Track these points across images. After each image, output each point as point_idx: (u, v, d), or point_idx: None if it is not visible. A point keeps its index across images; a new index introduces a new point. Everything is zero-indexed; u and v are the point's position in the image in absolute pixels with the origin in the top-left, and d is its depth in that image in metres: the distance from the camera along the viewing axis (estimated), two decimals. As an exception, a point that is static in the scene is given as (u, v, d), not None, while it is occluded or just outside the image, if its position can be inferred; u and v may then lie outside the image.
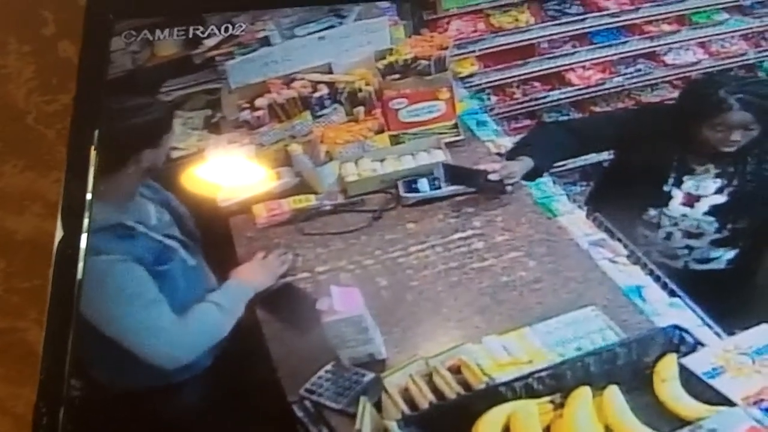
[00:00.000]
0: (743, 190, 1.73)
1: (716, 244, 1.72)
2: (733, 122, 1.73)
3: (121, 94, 1.75)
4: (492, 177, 1.78)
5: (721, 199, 1.73)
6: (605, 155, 1.85)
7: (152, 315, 1.53)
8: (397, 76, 1.91)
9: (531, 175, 1.81)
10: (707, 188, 1.73)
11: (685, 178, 1.75)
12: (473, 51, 2.01)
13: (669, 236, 1.73)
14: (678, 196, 1.74)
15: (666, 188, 1.75)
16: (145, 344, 1.51)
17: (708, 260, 1.72)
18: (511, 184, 1.79)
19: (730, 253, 1.72)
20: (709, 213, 1.72)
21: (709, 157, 1.75)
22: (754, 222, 1.72)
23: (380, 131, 1.88)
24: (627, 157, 1.82)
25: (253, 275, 1.63)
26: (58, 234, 1.57)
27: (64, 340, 1.49)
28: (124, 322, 1.52)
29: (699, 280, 1.67)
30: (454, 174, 1.81)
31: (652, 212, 1.74)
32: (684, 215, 1.73)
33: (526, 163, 1.81)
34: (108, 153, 1.63)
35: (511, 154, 1.84)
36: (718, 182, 1.74)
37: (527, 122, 1.98)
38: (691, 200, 1.73)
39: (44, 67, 1.90)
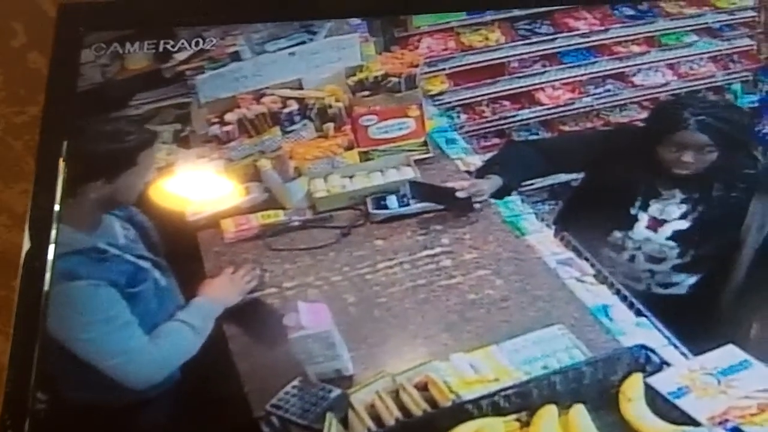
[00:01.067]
0: (707, 217, 1.73)
1: (678, 269, 1.72)
2: (687, 142, 1.74)
3: (94, 113, 1.75)
4: (460, 195, 1.78)
5: (684, 224, 1.73)
6: (574, 175, 1.85)
7: (124, 337, 1.52)
8: (367, 92, 1.91)
9: (500, 194, 1.81)
10: (672, 213, 1.74)
11: (651, 201, 1.76)
12: (443, 69, 2.01)
13: (632, 259, 1.73)
14: (644, 219, 1.75)
15: (633, 211, 1.76)
16: (117, 366, 1.50)
17: (670, 285, 1.72)
18: (479, 202, 1.79)
19: (692, 279, 1.72)
20: (671, 238, 1.72)
21: (675, 181, 1.76)
22: (717, 249, 1.73)
23: (350, 148, 1.88)
24: (596, 178, 1.83)
25: (222, 291, 1.62)
26: (26, 246, 1.56)
27: (30, 352, 1.48)
28: (97, 344, 1.51)
29: (662, 304, 1.67)
30: (421, 191, 1.81)
31: (617, 234, 1.74)
32: (647, 239, 1.73)
33: (494, 182, 1.82)
34: (77, 175, 1.62)
35: (480, 173, 1.85)
36: (683, 208, 1.74)
37: (496, 140, 1.98)
38: (655, 224, 1.74)
39: (13, 78, 1.89)
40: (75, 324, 1.52)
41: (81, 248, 1.56)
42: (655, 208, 1.75)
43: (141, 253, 1.61)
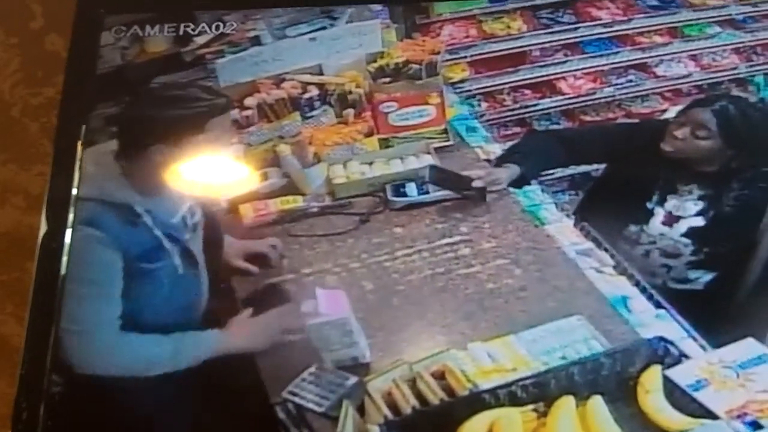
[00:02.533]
0: (723, 215, 1.72)
1: (693, 265, 1.72)
2: (691, 117, 1.74)
3: (113, 95, 1.74)
4: (476, 184, 1.78)
5: (699, 221, 1.72)
6: (595, 166, 1.84)
7: (96, 309, 1.50)
8: (387, 79, 1.90)
9: (518, 183, 1.81)
10: (688, 209, 1.73)
11: (668, 197, 1.75)
12: (465, 57, 2.01)
13: (647, 254, 1.73)
14: (660, 214, 1.74)
15: (650, 205, 1.75)
16: (72, 333, 1.48)
17: (686, 280, 1.72)
18: (496, 192, 1.79)
19: (708, 276, 1.71)
20: (686, 235, 1.72)
21: (694, 177, 1.75)
22: (732, 248, 1.72)
23: (369, 134, 1.87)
24: (616, 171, 1.82)
25: (240, 336, 1.55)
26: (43, 228, 1.56)
27: (46, 335, 1.48)
28: (71, 300, 1.49)
29: (679, 298, 1.66)
30: (439, 177, 1.80)
31: (633, 228, 1.74)
32: (662, 234, 1.72)
33: (512, 171, 1.81)
34: (135, 137, 1.59)
35: (500, 161, 1.84)
36: (700, 205, 1.73)
37: (517, 129, 1.98)
38: (671, 220, 1.73)
39: (30, 60, 1.89)
40: (70, 270, 1.51)
41: (115, 202, 1.53)
42: (671, 203, 1.74)
43: (177, 235, 1.57)
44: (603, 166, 1.84)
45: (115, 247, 1.50)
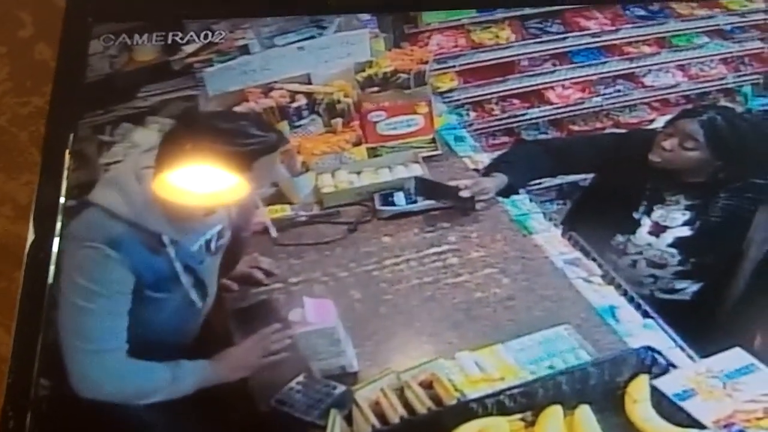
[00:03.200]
0: (710, 226, 1.73)
1: (679, 276, 1.72)
2: (679, 128, 1.75)
3: (101, 105, 1.74)
4: (463, 194, 1.78)
5: (686, 231, 1.73)
6: (583, 175, 1.84)
7: (108, 326, 1.46)
8: (376, 88, 1.90)
9: (506, 192, 1.81)
10: (675, 220, 1.73)
11: (655, 207, 1.75)
12: (453, 66, 2.01)
13: (634, 264, 1.73)
14: (647, 224, 1.74)
15: (636, 215, 1.75)
16: (83, 352, 1.45)
17: (673, 291, 1.72)
18: (484, 201, 1.79)
19: (695, 286, 1.72)
20: (672, 245, 1.72)
21: (681, 187, 1.75)
22: (718, 258, 1.72)
23: (358, 143, 1.88)
24: (604, 181, 1.82)
25: (225, 368, 1.51)
26: (30, 237, 1.55)
27: (33, 344, 1.47)
28: (89, 317, 1.45)
29: (666, 308, 1.66)
30: (426, 188, 1.80)
31: (620, 238, 1.74)
32: (649, 244, 1.73)
33: (500, 180, 1.81)
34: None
35: (488, 171, 1.84)
36: (687, 215, 1.73)
37: (505, 139, 1.98)
38: (657, 230, 1.73)
39: (19, 69, 1.88)
40: (74, 281, 1.47)
41: (148, 228, 1.48)
42: (658, 213, 1.74)
43: (194, 265, 1.54)
44: (591, 176, 1.84)
45: (131, 270, 1.47)
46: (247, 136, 1.52)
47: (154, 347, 1.49)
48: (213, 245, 1.58)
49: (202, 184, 1.52)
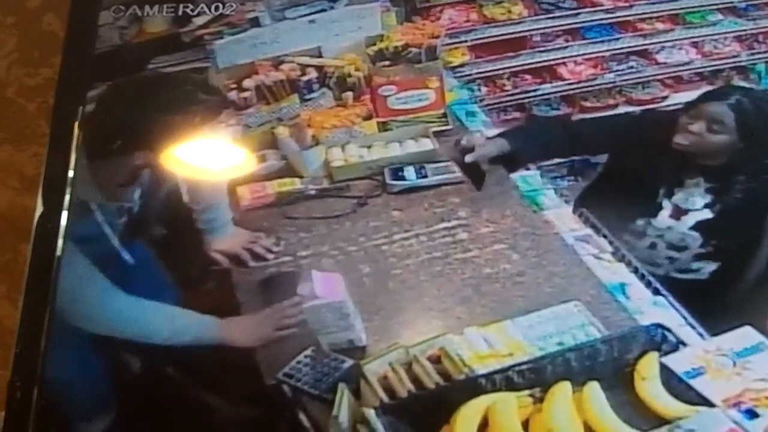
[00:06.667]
0: (730, 208, 1.72)
1: (699, 258, 1.71)
2: (707, 111, 1.73)
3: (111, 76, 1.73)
4: (467, 159, 1.77)
5: (708, 214, 1.72)
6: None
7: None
8: (387, 62, 1.90)
9: (510, 162, 1.79)
10: (695, 202, 1.72)
11: (675, 190, 1.74)
12: (465, 41, 2.00)
13: (653, 246, 1.72)
14: (668, 207, 1.73)
15: (658, 199, 1.74)
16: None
17: (689, 271, 1.71)
18: (485, 165, 1.78)
19: (712, 266, 1.71)
20: (694, 228, 1.71)
21: (700, 170, 1.74)
22: (739, 240, 1.71)
23: (368, 118, 1.87)
24: (621, 163, 1.81)
25: (236, 331, 1.54)
26: (38, 210, 1.55)
27: (41, 316, 1.47)
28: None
29: (679, 286, 1.66)
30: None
31: (640, 222, 1.73)
32: (670, 227, 1.72)
33: (499, 144, 1.80)
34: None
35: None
36: (707, 198, 1.72)
37: (516, 114, 1.97)
38: (678, 213, 1.72)
39: (27, 40, 1.88)
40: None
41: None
42: (679, 196, 1.73)
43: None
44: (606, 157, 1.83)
45: None
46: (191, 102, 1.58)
47: None
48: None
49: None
